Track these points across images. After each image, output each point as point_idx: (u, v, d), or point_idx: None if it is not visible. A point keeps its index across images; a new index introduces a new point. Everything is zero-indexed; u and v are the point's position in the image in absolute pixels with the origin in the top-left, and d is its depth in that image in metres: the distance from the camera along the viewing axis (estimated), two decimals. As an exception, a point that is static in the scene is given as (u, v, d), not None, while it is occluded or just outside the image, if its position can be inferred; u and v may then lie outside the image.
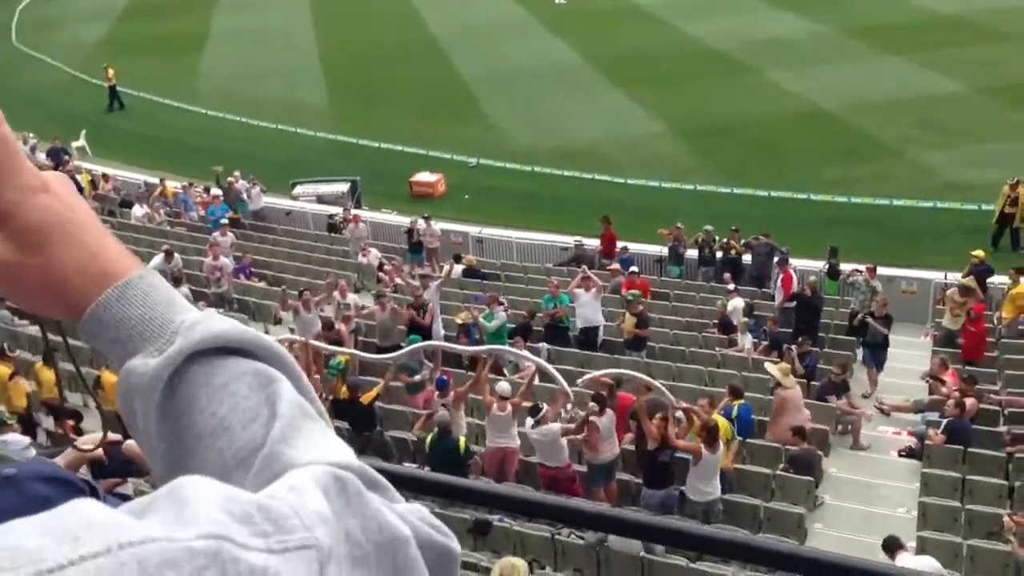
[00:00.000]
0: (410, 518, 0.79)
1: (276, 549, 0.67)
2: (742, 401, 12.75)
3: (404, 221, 22.54)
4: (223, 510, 0.67)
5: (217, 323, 0.90)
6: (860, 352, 15.99)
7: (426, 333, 15.70)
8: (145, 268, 0.94)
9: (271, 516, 0.69)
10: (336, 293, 17.22)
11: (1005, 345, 15.77)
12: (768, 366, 13.38)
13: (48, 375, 12.84)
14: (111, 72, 35.88)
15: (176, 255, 19.22)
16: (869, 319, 15.47)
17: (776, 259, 18.37)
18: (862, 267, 16.99)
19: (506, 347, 14.74)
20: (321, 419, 0.88)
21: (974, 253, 17.93)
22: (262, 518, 0.68)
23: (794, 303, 16.80)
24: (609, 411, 11.54)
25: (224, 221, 21.84)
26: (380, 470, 0.82)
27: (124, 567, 0.60)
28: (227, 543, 0.65)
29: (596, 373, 12.81)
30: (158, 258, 18.66)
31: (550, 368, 13.04)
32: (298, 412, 0.85)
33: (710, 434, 10.82)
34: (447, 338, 15.85)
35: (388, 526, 0.75)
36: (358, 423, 12.55)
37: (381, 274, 20.34)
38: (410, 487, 2.19)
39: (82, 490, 1.34)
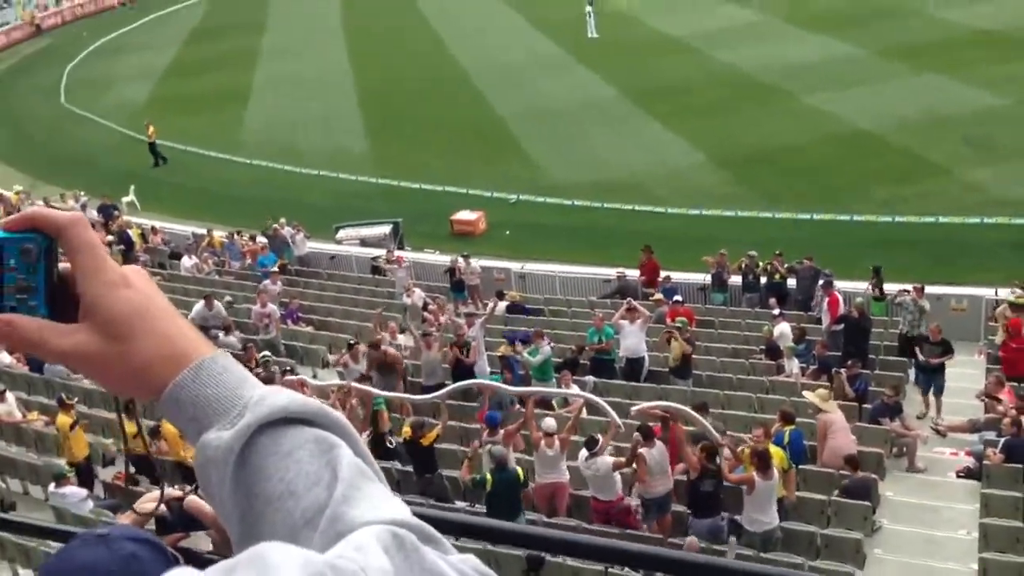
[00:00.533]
0: (463, 567, 0.87)
1: None
2: (793, 427, 12.60)
3: (446, 260, 22.71)
4: (302, 572, 0.77)
5: (282, 397, 1.00)
6: (912, 373, 15.74)
7: (470, 371, 15.77)
8: (217, 351, 1.05)
9: (342, 575, 0.78)
10: (387, 334, 17.33)
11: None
12: (806, 393, 13.21)
13: (131, 427, 12.88)
14: (152, 129, 36.73)
15: (216, 302, 19.52)
16: (922, 349, 15.09)
17: (821, 282, 18.21)
18: (909, 287, 16.78)
19: (551, 387, 14.79)
20: (379, 479, 0.98)
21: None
22: None
23: (842, 326, 16.61)
24: (660, 444, 11.47)
25: (274, 269, 22.18)
26: (439, 519, 0.91)
27: None
28: None
29: (646, 404, 12.77)
30: (199, 305, 19.01)
31: (599, 400, 13.03)
32: (357, 474, 0.95)
33: (761, 460, 10.69)
34: (492, 375, 15.90)
35: None
36: (420, 465, 12.63)
37: (426, 314, 20.50)
38: (465, 532, 2.25)
39: (164, 550, 1.48)
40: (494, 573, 0.89)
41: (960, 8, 42.45)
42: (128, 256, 24.71)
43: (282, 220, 25.40)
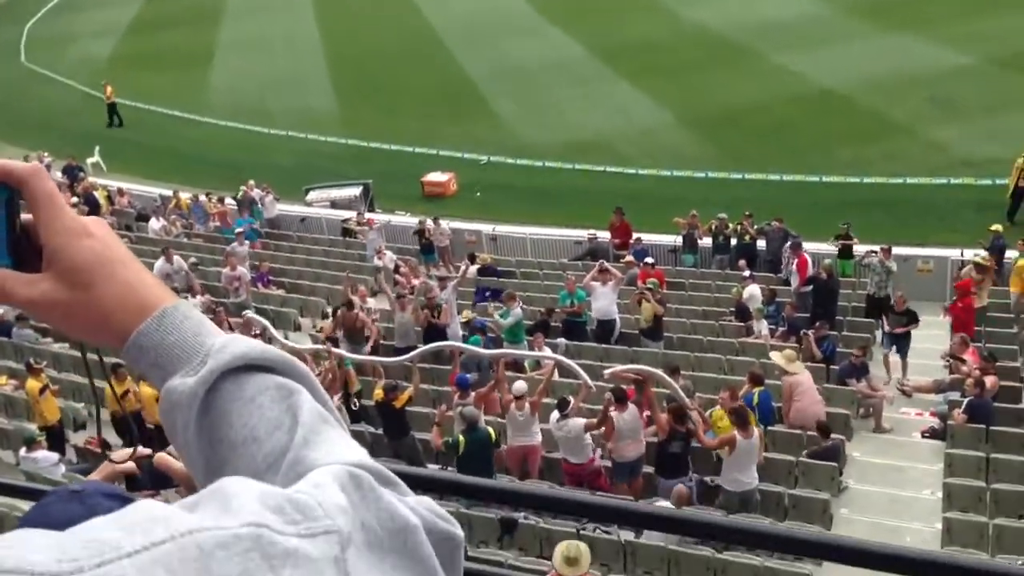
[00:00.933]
0: (419, 509, 0.92)
1: (305, 534, 0.81)
2: (762, 388, 12.76)
3: (416, 222, 22.59)
4: (260, 503, 0.81)
5: (242, 344, 1.03)
6: (879, 335, 15.97)
7: (442, 334, 15.80)
8: (179, 299, 1.07)
9: (299, 507, 0.83)
10: (356, 298, 17.23)
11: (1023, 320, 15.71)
12: (773, 354, 13.37)
13: (119, 387, 12.73)
14: (110, 89, 36.07)
15: (177, 256, 19.39)
16: (887, 317, 15.30)
17: (789, 243, 18.35)
18: (877, 248, 16.95)
19: (522, 350, 14.87)
20: (338, 424, 1.02)
21: (992, 228, 17.88)
22: (292, 509, 0.82)
23: (810, 287, 16.78)
24: (632, 407, 11.54)
25: (242, 229, 21.89)
26: (413, 474, 0.92)
27: (185, 550, 0.74)
28: (266, 529, 0.79)
29: (619, 368, 12.86)
30: (159, 261, 18.96)
31: (570, 363, 13.11)
32: (317, 419, 0.99)
33: (741, 419, 10.74)
34: (464, 339, 15.92)
35: (399, 515, 0.88)
36: (392, 427, 12.65)
37: (398, 276, 20.45)
38: (438, 488, 2.27)
39: (132, 502, 1.48)
40: (448, 515, 0.93)
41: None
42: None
43: (250, 182, 25.12)
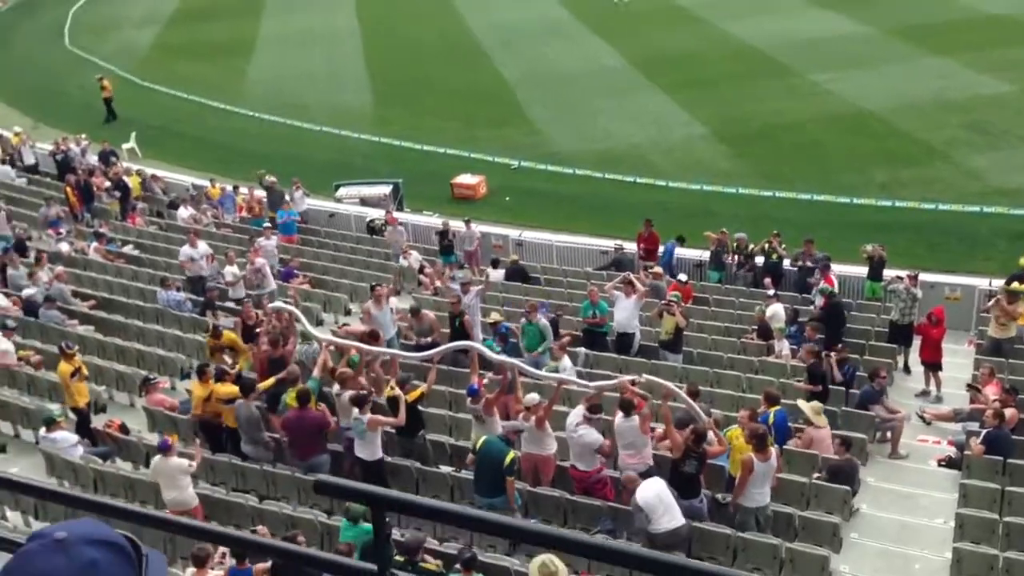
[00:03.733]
0: None
1: None
2: (778, 407, 12.69)
3: (440, 223, 22.60)
4: None
5: None
6: (900, 360, 15.86)
7: (467, 335, 15.76)
8: None
9: None
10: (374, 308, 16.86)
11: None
12: (801, 403, 13.12)
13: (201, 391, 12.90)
14: (107, 83, 36.19)
15: (201, 241, 19.67)
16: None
17: (818, 264, 18.23)
18: (904, 274, 16.80)
19: (542, 358, 14.85)
20: None
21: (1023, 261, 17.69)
22: None
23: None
24: (636, 418, 11.41)
25: (267, 224, 22.02)
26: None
27: None
28: None
29: (625, 378, 12.77)
30: (185, 247, 19.33)
31: (582, 382, 13.07)
32: None
33: (760, 441, 10.68)
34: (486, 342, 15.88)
35: None
36: (403, 424, 12.60)
37: (422, 277, 20.54)
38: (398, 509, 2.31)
39: (126, 552, 1.53)
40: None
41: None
42: (125, 204, 24.72)
43: (271, 178, 25.02)
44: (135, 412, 14.41)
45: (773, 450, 10.91)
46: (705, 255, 20.40)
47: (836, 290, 17.01)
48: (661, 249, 20.42)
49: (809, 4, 43.30)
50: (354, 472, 11.84)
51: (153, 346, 16.57)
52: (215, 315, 17.66)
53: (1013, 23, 37.44)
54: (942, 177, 25.71)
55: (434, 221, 23.99)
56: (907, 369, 16.32)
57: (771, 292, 17.53)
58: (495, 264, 20.42)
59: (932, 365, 15.45)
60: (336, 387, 12.53)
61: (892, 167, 26.58)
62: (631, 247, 21.07)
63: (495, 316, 16.18)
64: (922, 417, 14.40)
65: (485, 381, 12.99)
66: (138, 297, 19.00)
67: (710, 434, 11.30)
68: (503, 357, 13.34)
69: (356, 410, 11.69)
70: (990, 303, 16.24)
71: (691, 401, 12.16)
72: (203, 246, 19.63)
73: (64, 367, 13.61)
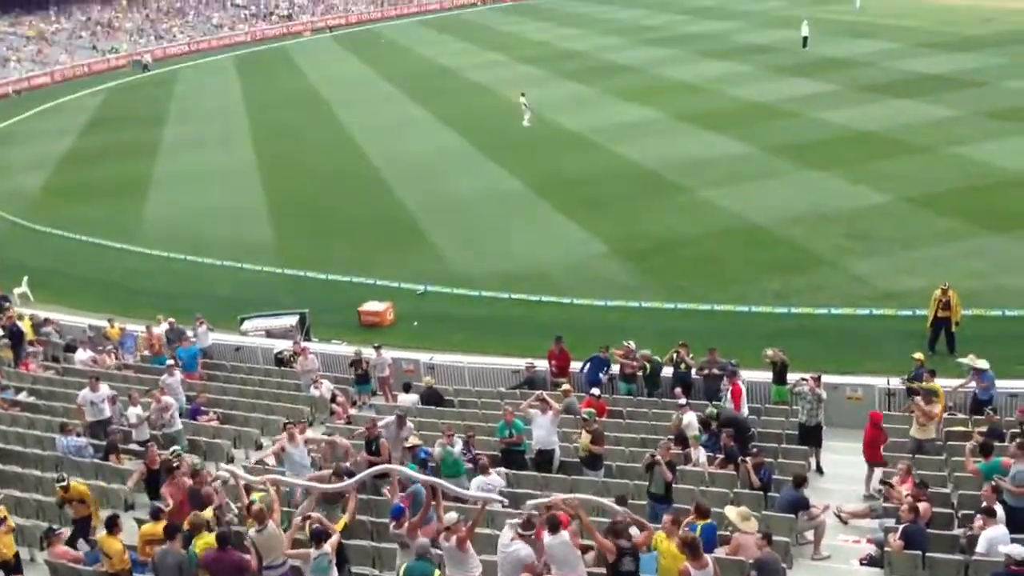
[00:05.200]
0: None
1: None
2: (708, 520, 12.74)
3: (352, 352, 22.48)
4: None
5: None
6: (813, 462, 16.23)
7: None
8: None
9: None
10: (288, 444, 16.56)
11: (950, 448, 16.12)
12: (728, 509, 13.23)
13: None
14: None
15: (103, 384, 19.09)
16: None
17: (725, 372, 18.68)
18: (808, 376, 17.37)
19: (462, 483, 14.70)
20: None
21: (915, 356, 18.50)
22: None
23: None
24: (565, 533, 11.31)
25: (170, 362, 21.57)
26: None
27: None
28: None
29: (557, 496, 12.71)
30: (85, 390, 18.75)
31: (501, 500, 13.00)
32: None
33: (692, 549, 10.61)
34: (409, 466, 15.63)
35: None
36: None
37: (334, 406, 20.27)
38: None
39: None
40: None
41: (836, 111, 45.25)
42: (18, 349, 23.84)
43: (171, 319, 24.71)
44: (37, 567, 13.61)
45: (708, 557, 10.90)
46: (615, 369, 20.68)
47: (715, 412, 17.22)
48: (579, 365, 20.67)
49: (691, 126, 45.60)
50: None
51: (52, 496, 15.77)
52: (119, 459, 17.07)
53: (882, 139, 40.10)
54: (831, 283, 26.87)
55: (344, 349, 23.83)
56: (819, 470, 16.70)
57: (682, 401, 17.82)
58: (407, 388, 20.32)
59: (873, 463, 15.70)
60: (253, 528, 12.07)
61: (784, 275, 27.70)
62: (542, 364, 21.25)
63: (413, 440, 16.01)
64: (839, 516, 14.67)
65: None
66: (36, 445, 18.18)
67: (632, 529, 11.31)
68: (427, 476, 13.11)
69: (316, 546, 11.31)
70: (909, 404, 16.80)
71: (601, 500, 12.18)
72: (104, 388, 19.04)
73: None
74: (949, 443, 16.26)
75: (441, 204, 37.90)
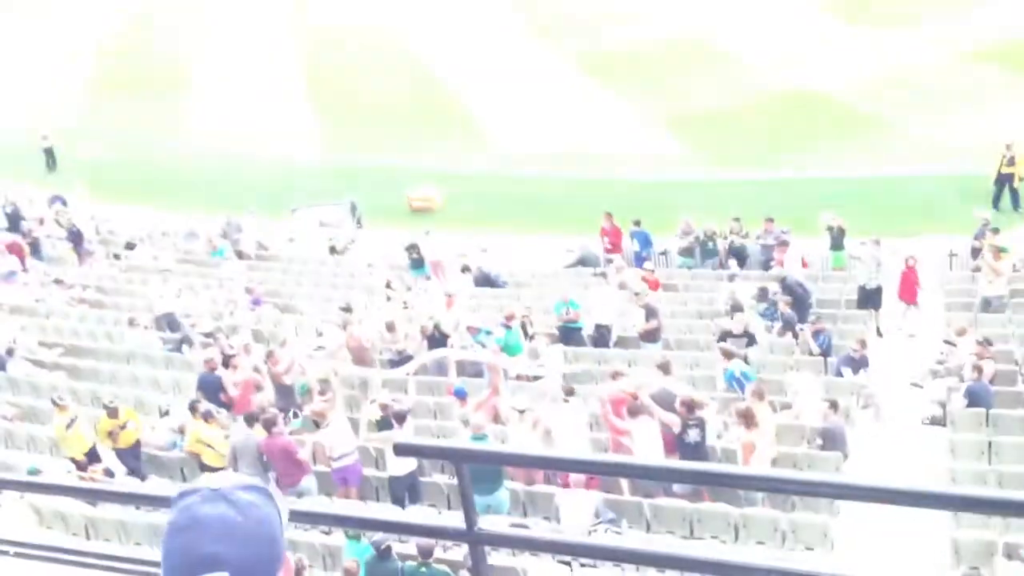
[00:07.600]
0: None
1: None
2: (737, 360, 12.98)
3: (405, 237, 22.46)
4: None
5: None
6: (872, 325, 16.14)
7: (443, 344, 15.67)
8: None
9: None
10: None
11: (1016, 304, 15.86)
12: (788, 375, 13.40)
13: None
14: (46, 134, 35.06)
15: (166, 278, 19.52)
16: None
17: (776, 241, 18.45)
18: (866, 240, 17.07)
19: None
20: None
21: (979, 214, 18.04)
22: None
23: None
24: (646, 417, 11.37)
25: (227, 255, 21.86)
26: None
27: None
28: None
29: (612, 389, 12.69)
30: (152, 286, 19.08)
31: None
32: None
33: (747, 419, 10.73)
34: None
35: None
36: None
37: (389, 291, 20.46)
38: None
39: (269, 493, 1.72)
40: None
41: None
42: (79, 249, 24.26)
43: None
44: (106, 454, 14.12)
45: (763, 418, 10.99)
46: (670, 242, 20.51)
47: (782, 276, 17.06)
48: (631, 240, 20.56)
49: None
50: (349, 495, 11.77)
51: (127, 387, 16.29)
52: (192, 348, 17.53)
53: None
54: (889, 144, 26.13)
55: (397, 235, 23.79)
56: (879, 332, 16.58)
57: (736, 272, 17.67)
58: (464, 271, 20.41)
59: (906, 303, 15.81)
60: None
61: (839, 139, 26.97)
62: (595, 242, 21.14)
63: (472, 321, 16.17)
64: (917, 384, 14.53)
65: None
66: (105, 340, 18.70)
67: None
68: (485, 354, 13.30)
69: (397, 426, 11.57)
70: (979, 261, 16.52)
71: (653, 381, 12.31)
72: (170, 282, 19.37)
73: (59, 420, 13.26)
74: (1014, 300, 15.99)
75: (485, 82, 37.24)
